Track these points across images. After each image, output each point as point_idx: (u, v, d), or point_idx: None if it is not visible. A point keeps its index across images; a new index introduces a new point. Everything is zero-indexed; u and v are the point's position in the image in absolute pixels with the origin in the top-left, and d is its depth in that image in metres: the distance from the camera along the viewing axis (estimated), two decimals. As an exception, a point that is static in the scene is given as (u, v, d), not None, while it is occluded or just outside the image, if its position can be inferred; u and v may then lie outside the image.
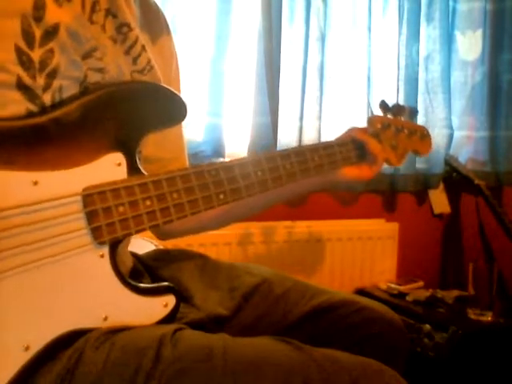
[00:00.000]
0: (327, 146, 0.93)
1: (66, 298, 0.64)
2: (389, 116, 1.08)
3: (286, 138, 1.80)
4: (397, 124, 1.08)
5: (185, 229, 0.94)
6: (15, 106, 0.64)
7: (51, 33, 0.67)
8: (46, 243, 0.62)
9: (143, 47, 0.79)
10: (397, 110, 1.09)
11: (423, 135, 1.14)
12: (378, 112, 1.08)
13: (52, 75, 0.67)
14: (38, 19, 0.66)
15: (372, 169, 1.00)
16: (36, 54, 0.66)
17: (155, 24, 0.89)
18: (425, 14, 2.06)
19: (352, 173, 0.98)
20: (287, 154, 0.86)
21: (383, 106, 1.08)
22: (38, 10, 0.66)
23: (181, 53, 1.60)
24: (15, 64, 0.64)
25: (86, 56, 0.71)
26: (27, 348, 0.61)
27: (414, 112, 1.17)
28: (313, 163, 0.89)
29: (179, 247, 0.99)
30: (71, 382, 0.60)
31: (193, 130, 1.68)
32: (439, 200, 2.19)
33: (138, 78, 0.78)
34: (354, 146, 0.97)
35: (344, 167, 0.96)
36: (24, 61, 0.65)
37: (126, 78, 0.76)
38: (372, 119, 1.05)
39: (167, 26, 0.93)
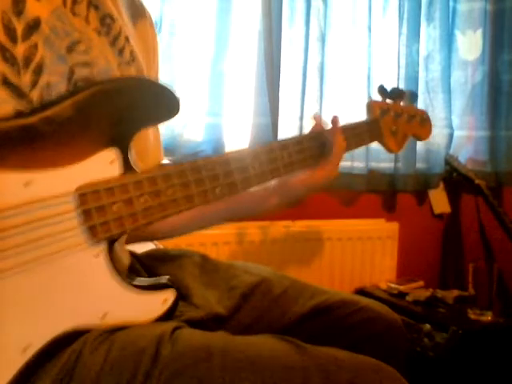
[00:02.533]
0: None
1: (64, 298, 0.63)
2: (388, 101, 1.07)
3: (286, 138, 1.80)
4: (396, 109, 1.06)
5: (154, 232, 0.92)
6: (2, 104, 0.63)
7: (33, 27, 0.66)
8: (41, 243, 0.61)
9: (127, 38, 0.78)
10: (396, 94, 1.07)
11: (423, 119, 1.13)
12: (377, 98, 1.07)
13: (38, 71, 0.66)
14: (18, 13, 0.65)
15: (326, 169, 0.92)
16: (19, 50, 0.64)
17: (134, 8, 0.87)
18: (425, 13, 2.06)
19: (305, 179, 0.91)
20: (285, 144, 0.86)
21: (382, 90, 1.07)
22: (18, 4, 0.65)
23: (181, 53, 1.62)
24: None
25: (69, 50, 0.69)
26: (26, 349, 0.60)
27: (413, 96, 1.14)
28: (310, 152, 0.89)
29: (179, 247, 0.99)
30: (70, 381, 0.60)
31: (193, 130, 1.68)
32: (439, 200, 2.19)
33: (125, 70, 0.77)
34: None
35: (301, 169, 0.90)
36: (7, 57, 0.63)
37: (114, 71, 0.75)
38: (371, 105, 1.04)
39: (145, 9, 0.91)
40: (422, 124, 1.12)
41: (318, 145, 0.92)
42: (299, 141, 0.90)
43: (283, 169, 0.85)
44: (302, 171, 0.90)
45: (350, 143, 0.97)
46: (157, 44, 0.93)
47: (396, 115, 1.05)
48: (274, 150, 0.84)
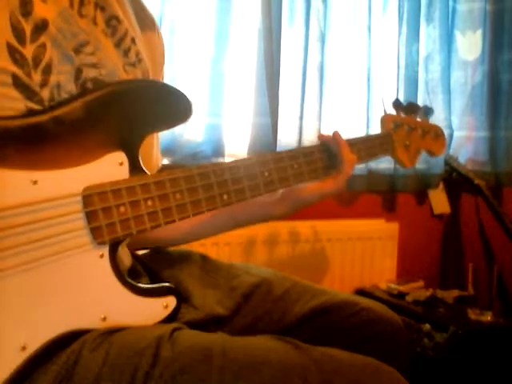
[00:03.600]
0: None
1: (65, 298, 0.63)
2: (402, 115, 1.07)
3: (286, 138, 1.80)
4: (410, 123, 1.06)
5: (158, 239, 0.93)
6: (14, 104, 0.64)
7: (41, 28, 0.66)
8: (45, 243, 0.62)
9: (133, 40, 0.78)
10: (410, 108, 1.07)
11: (437, 135, 1.13)
12: (391, 111, 1.07)
13: (47, 71, 0.66)
14: (26, 14, 0.65)
15: (337, 179, 0.92)
16: (28, 50, 0.65)
17: (143, 16, 0.88)
18: (425, 13, 2.06)
19: (314, 188, 0.92)
20: (295, 154, 0.86)
21: (396, 104, 1.06)
22: (26, 5, 0.65)
23: (181, 53, 1.62)
24: (8, 62, 0.63)
25: (76, 51, 0.69)
26: (24, 348, 0.60)
27: (428, 111, 1.13)
28: (321, 164, 0.90)
29: (179, 247, 0.99)
30: (69, 382, 0.60)
31: (193, 130, 1.68)
32: (439, 200, 2.19)
33: (130, 71, 0.77)
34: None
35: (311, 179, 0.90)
36: (17, 58, 0.64)
37: (120, 72, 0.75)
38: (384, 118, 1.04)
39: (153, 19, 0.92)
40: (435, 139, 1.12)
41: (329, 156, 0.92)
42: (311, 152, 0.90)
43: (293, 179, 0.86)
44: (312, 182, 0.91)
45: (362, 156, 0.97)
46: (164, 54, 0.94)
47: (410, 129, 1.05)
48: (284, 159, 0.84)
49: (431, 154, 1.14)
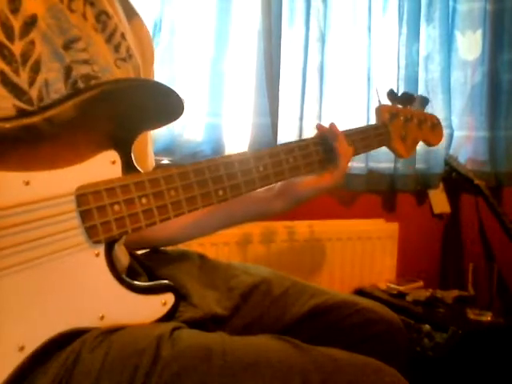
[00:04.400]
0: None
1: (62, 298, 0.63)
2: (397, 105, 1.06)
3: (286, 139, 1.80)
4: (406, 113, 1.06)
5: (153, 239, 0.92)
6: (2, 103, 0.64)
7: (30, 24, 0.66)
8: (40, 243, 0.62)
9: (122, 35, 0.78)
10: (406, 98, 1.06)
11: (434, 124, 1.12)
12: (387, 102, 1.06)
13: (35, 68, 0.66)
14: (15, 11, 0.65)
15: (334, 173, 0.91)
16: (17, 47, 0.65)
17: (128, 6, 0.88)
18: (425, 13, 2.06)
19: (311, 182, 0.91)
20: (291, 148, 0.86)
21: (391, 95, 1.06)
22: (14, 2, 0.65)
23: (181, 53, 1.62)
24: None
25: (66, 47, 0.69)
26: (22, 348, 0.60)
27: (424, 101, 1.12)
28: (317, 157, 0.89)
29: (177, 247, 0.99)
30: (69, 382, 0.60)
31: (193, 130, 1.68)
32: (439, 200, 2.19)
33: (122, 67, 0.77)
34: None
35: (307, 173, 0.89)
36: (5, 55, 0.64)
37: (112, 68, 0.75)
38: (380, 109, 1.03)
39: (139, 14, 0.92)
40: (432, 129, 1.11)
41: (325, 149, 0.92)
42: (306, 145, 0.89)
43: (288, 172, 0.85)
44: (308, 175, 0.90)
45: (358, 147, 0.97)
46: (152, 41, 0.93)
47: (406, 120, 1.04)
48: (279, 153, 0.84)
49: (429, 144, 1.13)
